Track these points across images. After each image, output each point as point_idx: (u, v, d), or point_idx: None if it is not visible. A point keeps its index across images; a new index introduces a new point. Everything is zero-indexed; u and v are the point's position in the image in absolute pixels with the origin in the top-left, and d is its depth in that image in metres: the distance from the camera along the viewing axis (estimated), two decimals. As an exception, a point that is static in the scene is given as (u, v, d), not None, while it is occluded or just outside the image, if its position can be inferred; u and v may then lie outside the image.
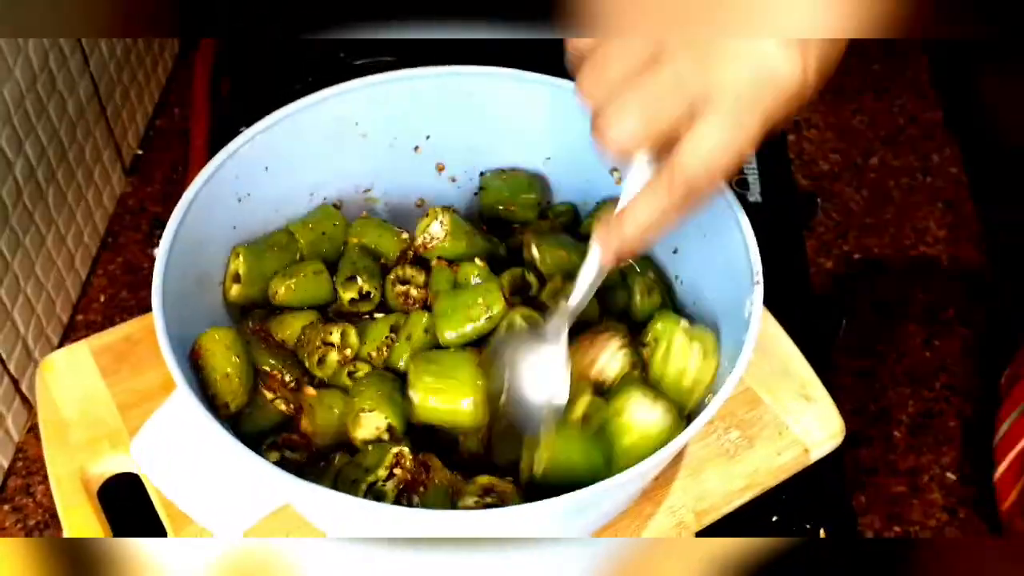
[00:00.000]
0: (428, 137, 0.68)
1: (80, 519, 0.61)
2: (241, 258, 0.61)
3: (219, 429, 0.48)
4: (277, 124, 0.62)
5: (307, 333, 0.61)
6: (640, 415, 0.53)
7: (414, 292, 0.63)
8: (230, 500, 0.59)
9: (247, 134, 0.61)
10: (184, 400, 0.49)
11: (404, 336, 0.60)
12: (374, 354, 0.61)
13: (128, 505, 0.64)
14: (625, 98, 0.40)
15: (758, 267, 0.55)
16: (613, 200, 0.68)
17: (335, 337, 0.60)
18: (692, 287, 0.64)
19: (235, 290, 0.61)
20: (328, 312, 0.64)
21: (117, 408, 0.66)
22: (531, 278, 0.63)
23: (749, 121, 0.39)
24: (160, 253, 0.55)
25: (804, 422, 0.66)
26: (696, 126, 0.39)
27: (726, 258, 0.58)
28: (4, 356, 0.91)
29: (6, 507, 0.92)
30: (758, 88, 0.38)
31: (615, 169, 0.67)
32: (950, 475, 0.99)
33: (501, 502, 0.52)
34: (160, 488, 0.60)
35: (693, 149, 0.40)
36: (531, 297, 0.62)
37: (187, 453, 0.61)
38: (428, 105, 0.66)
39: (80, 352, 0.68)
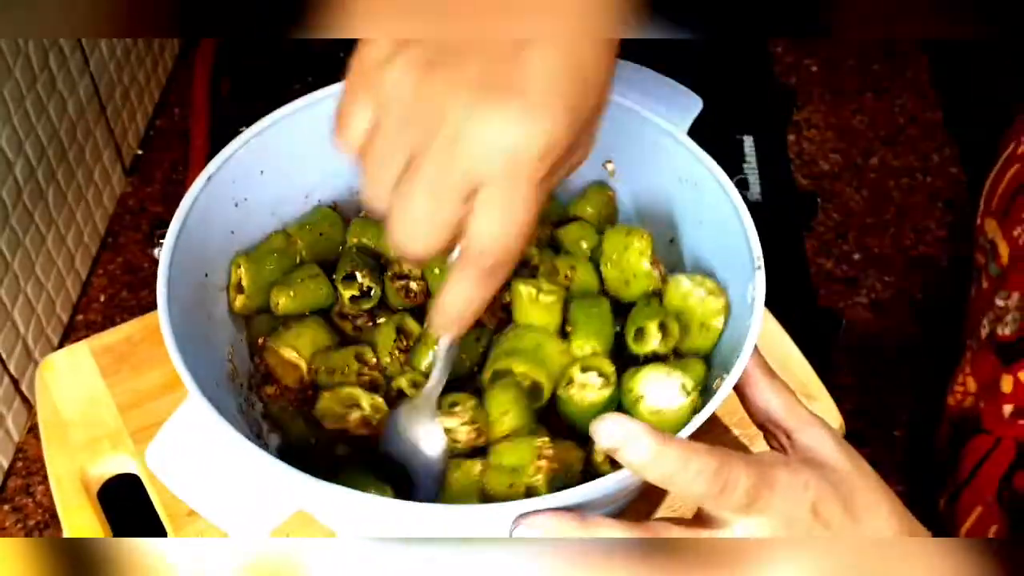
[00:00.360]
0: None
1: (80, 519, 0.61)
2: (243, 269, 0.61)
3: (234, 433, 0.48)
4: (270, 127, 0.62)
5: (335, 371, 0.61)
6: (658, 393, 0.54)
7: (414, 285, 0.63)
8: (253, 503, 0.58)
9: (242, 138, 0.61)
10: (197, 407, 0.49)
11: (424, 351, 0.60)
12: (388, 361, 0.61)
13: (128, 505, 0.64)
14: (407, 205, 0.41)
15: (758, 252, 0.55)
16: (598, 184, 0.67)
17: (366, 360, 0.61)
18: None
19: (239, 301, 0.61)
20: (331, 314, 0.64)
21: (117, 408, 0.66)
22: (532, 252, 0.63)
23: (521, 196, 0.40)
24: (162, 265, 0.54)
25: (804, 422, 0.66)
26: (476, 215, 0.40)
27: (725, 245, 0.58)
28: (4, 356, 0.91)
29: (6, 507, 0.92)
30: (518, 169, 0.40)
31: (609, 161, 0.67)
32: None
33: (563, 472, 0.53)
34: (181, 497, 0.59)
35: (478, 236, 0.41)
36: (534, 267, 0.62)
37: (204, 459, 0.60)
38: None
39: (80, 352, 0.68)
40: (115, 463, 0.64)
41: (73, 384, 0.67)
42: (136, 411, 0.65)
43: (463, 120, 0.39)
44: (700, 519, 0.46)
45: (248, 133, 0.61)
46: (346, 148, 0.45)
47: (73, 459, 0.63)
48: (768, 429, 0.51)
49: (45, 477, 0.74)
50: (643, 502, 0.61)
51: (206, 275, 0.60)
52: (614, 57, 0.44)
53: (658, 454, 0.43)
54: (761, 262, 0.55)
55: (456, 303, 0.44)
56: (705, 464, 0.43)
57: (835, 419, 0.67)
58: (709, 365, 0.58)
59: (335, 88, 0.63)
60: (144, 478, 0.63)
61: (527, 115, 0.39)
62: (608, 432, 0.43)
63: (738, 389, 0.52)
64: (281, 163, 0.63)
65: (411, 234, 0.42)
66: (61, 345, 1.01)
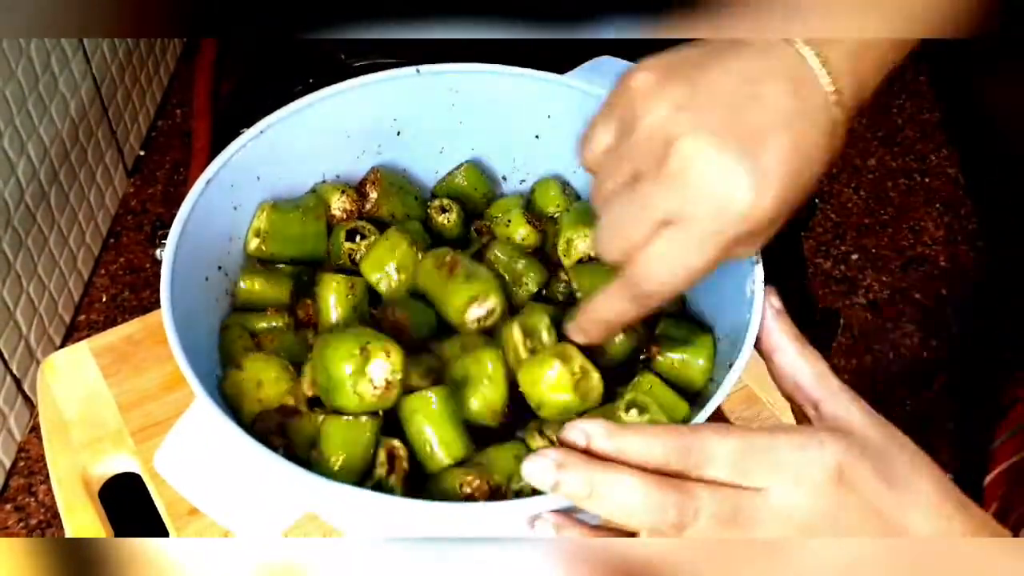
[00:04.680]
0: (416, 137, 0.68)
1: (82, 519, 0.61)
2: (266, 213, 0.61)
3: (240, 434, 0.49)
4: (270, 129, 0.62)
5: None
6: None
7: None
8: (264, 506, 0.58)
9: (240, 141, 0.61)
10: (205, 410, 0.49)
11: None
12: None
13: (129, 504, 0.65)
14: (608, 213, 0.45)
15: None
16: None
17: None
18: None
19: (254, 243, 0.61)
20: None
21: (118, 408, 0.66)
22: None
23: (705, 247, 0.43)
24: (164, 270, 0.55)
25: (801, 422, 0.66)
26: (655, 242, 0.43)
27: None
28: (6, 356, 0.92)
29: (8, 506, 0.93)
30: (719, 220, 0.42)
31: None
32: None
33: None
34: (192, 501, 0.59)
35: (647, 262, 0.44)
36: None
37: (213, 462, 0.60)
38: (412, 104, 0.66)
39: (82, 352, 0.69)
40: (116, 462, 0.64)
41: (75, 384, 0.67)
42: (137, 411, 0.65)
43: (693, 158, 0.42)
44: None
45: (247, 136, 0.61)
46: (585, 157, 0.48)
47: (75, 458, 0.64)
48: (795, 400, 0.49)
49: (47, 476, 0.75)
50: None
51: (207, 279, 0.60)
52: (838, 140, 0.45)
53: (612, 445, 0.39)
54: (759, 256, 0.55)
55: (605, 311, 0.47)
56: (666, 437, 0.39)
57: (832, 419, 0.67)
58: (712, 360, 0.58)
59: (336, 89, 0.64)
60: (146, 477, 0.64)
61: (752, 178, 0.42)
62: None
63: (766, 355, 0.51)
64: (277, 167, 0.63)
65: (605, 238, 0.45)
66: (63, 345, 1.01)
